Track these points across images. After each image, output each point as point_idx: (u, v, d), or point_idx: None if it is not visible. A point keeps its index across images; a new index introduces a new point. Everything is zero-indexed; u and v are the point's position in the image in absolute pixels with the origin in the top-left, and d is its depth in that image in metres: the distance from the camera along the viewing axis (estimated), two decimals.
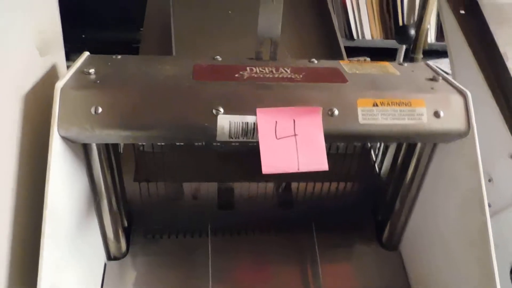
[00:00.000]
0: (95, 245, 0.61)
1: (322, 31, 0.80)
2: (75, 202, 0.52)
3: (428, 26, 1.51)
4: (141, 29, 0.97)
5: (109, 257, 0.63)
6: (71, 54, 0.63)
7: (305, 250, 0.66)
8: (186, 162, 0.64)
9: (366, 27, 1.51)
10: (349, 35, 1.50)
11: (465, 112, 0.49)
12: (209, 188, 0.67)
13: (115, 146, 0.57)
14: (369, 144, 0.68)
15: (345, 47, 0.80)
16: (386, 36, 1.53)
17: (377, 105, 0.47)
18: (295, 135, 0.45)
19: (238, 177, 0.64)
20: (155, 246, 0.65)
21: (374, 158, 0.69)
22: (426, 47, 1.52)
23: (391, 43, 1.50)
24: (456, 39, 0.90)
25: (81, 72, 0.48)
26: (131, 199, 0.64)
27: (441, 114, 0.48)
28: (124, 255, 0.64)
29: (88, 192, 0.56)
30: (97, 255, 0.62)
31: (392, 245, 0.68)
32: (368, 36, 1.52)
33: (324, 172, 0.65)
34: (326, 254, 0.66)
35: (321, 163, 0.45)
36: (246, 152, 0.59)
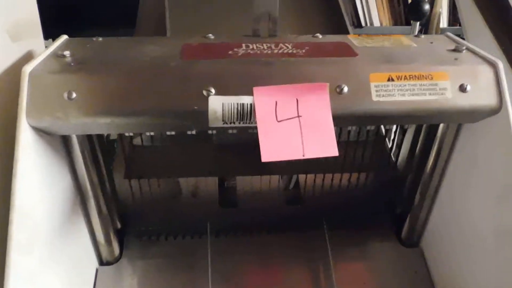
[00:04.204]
0: (84, 249, 0.55)
1: (326, 8, 0.73)
2: (57, 203, 0.46)
3: (440, 10, 1.44)
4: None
5: (101, 262, 0.58)
6: None
7: (315, 250, 0.60)
8: (181, 156, 0.58)
9: (374, 13, 1.44)
10: (356, 23, 1.43)
11: (495, 84, 0.42)
12: (209, 184, 0.61)
13: (101, 139, 0.51)
14: (383, 131, 0.62)
15: None
16: (395, 23, 1.45)
17: (392, 80, 0.41)
18: (298, 116, 0.39)
19: (240, 171, 0.58)
20: (151, 249, 0.60)
21: (389, 146, 0.63)
22: (439, 32, 1.44)
23: (401, 30, 1.43)
24: (473, 19, 0.83)
25: (55, 55, 0.43)
26: (123, 198, 0.59)
27: (468, 88, 0.41)
28: (117, 260, 0.58)
29: (73, 191, 0.51)
30: (87, 260, 0.56)
31: (413, 241, 0.62)
32: (376, 23, 1.44)
33: (334, 162, 0.59)
34: (339, 254, 0.59)
35: (329, 148, 0.38)
36: (247, 143, 0.54)
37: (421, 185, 0.57)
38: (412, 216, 0.60)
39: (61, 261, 0.48)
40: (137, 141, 0.57)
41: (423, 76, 0.41)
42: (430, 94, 0.41)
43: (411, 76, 0.41)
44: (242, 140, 0.56)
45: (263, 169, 0.57)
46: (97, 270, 0.57)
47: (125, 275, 0.57)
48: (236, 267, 0.58)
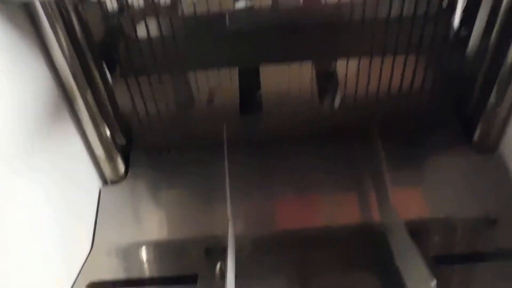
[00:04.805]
0: (82, 165, 0.47)
1: None
2: (33, 101, 0.38)
3: None
4: None
5: (105, 181, 0.50)
6: None
7: (363, 161, 0.48)
8: (189, 48, 0.46)
9: None
10: None
11: None
12: (226, 89, 0.49)
13: (81, 18, 0.40)
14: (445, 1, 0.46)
15: None
16: None
17: None
18: None
19: (262, 58, 0.46)
20: (160, 166, 0.51)
21: (457, 24, 0.48)
22: None
23: None
24: None
25: None
26: (123, 104, 0.48)
27: None
28: (122, 178, 0.50)
29: (56, 90, 0.41)
30: (88, 178, 0.48)
31: (488, 146, 0.49)
32: None
33: (383, 42, 0.46)
34: (396, 167, 0.46)
35: None
36: (267, 26, 0.42)
37: (500, 73, 0.43)
38: (487, 115, 0.48)
39: (49, 173, 0.40)
40: (134, 35, 0.45)
41: None
42: None
43: None
44: (260, 24, 0.44)
45: (291, 54, 0.45)
46: (100, 190, 0.49)
47: (132, 195, 0.49)
48: (259, 188, 0.47)
